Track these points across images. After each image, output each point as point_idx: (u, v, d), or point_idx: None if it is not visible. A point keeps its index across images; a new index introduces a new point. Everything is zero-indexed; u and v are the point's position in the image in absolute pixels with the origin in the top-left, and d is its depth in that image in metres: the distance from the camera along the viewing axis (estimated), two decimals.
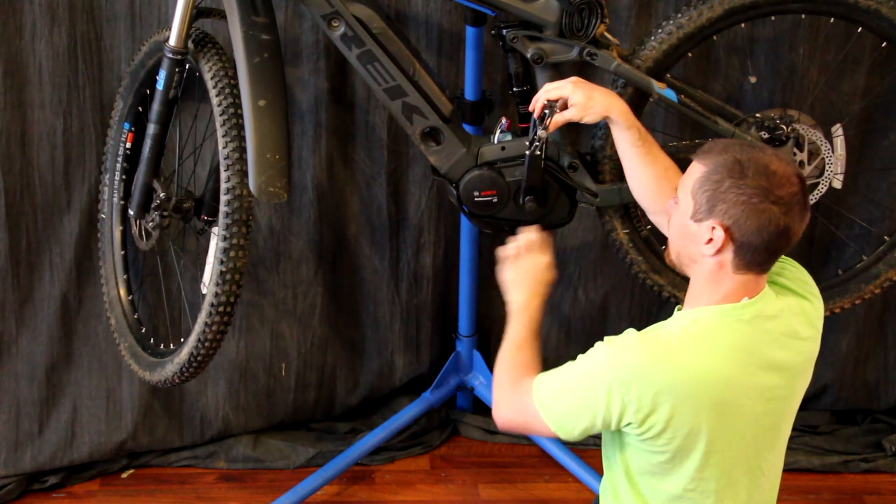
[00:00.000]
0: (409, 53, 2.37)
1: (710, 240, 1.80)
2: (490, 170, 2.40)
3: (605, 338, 1.84)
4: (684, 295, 2.53)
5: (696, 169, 1.83)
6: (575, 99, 2.17)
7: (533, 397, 1.87)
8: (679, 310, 1.92)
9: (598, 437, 3.23)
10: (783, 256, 1.90)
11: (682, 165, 2.46)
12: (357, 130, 2.81)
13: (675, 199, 1.89)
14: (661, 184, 2.17)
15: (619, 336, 1.83)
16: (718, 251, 1.80)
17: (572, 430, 1.85)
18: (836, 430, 3.08)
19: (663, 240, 2.64)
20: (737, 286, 1.83)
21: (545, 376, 1.89)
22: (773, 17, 2.60)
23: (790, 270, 1.95)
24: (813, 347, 1.93)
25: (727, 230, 1.78)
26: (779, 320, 1.86)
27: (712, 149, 1.84)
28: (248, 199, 2.29)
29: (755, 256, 1.80)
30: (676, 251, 1.90)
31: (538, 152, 2.27)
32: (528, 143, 2.27)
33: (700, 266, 1.85)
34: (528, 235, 2.11)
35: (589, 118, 2.19)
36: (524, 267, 2.08)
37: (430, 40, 2.70)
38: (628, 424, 1.80)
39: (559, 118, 2.19)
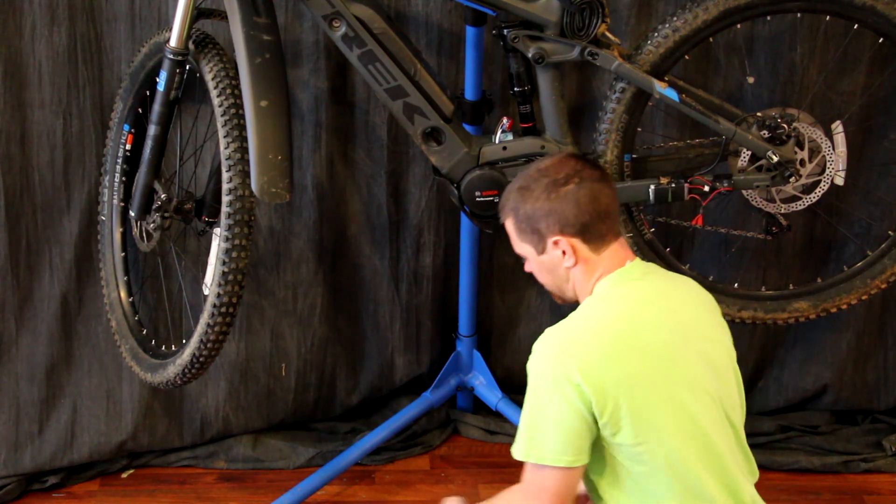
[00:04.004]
0: (411, 53, 2.38)
1: (564, 252, 1.93)
2: (492, 170, 2.40)
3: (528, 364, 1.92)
4: None
5: (508, 225, 2.02)
6: None
7: (526, 471, 1.94)
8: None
9: None
10: None
11: (678, 164, 2.49)
12: (357, 130, 2.81)
13: (523, 260, 2.03)
14: None
15: (534, 347, 1.91)
16: (575, 253, 1.93)
17: (580, 452, 1.88)
18: (836, 430, 3.07)
19: (667, 241, 2.65)
20: (609, 260, 1.95)
21: (515, 448, 1.95)
22: (769, 17, 2.61)
23: None
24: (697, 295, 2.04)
25: (562, 232, 1.92)
26: (658, 274, 2.02)
27: (503, 205, 2.02)
28: (249, 200, 2.29)
29: (597, 228, 1.94)
30: (556, 287, 2.03)
31: None
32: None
33: (574, 278, 1.98)
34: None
35: None
36: None
37: (431, 40, 2.70)
38: (599, 416, 1.84)
39: None
